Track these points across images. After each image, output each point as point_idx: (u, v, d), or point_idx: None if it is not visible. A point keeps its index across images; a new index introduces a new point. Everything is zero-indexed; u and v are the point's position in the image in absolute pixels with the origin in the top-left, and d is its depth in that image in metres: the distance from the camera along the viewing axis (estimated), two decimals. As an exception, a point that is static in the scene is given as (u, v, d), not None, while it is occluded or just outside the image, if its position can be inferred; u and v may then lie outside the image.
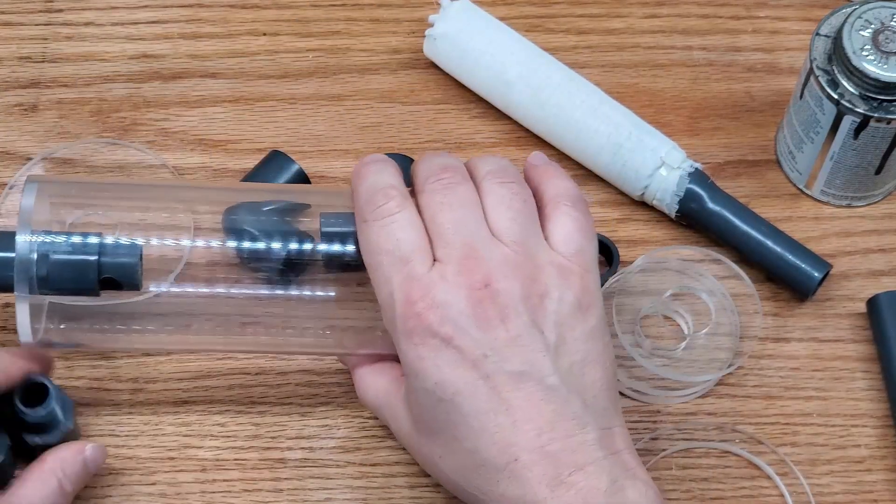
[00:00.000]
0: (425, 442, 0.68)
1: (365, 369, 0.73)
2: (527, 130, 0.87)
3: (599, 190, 0.86)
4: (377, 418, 0.78)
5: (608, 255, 0.83)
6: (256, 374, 0.79)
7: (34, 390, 0.73)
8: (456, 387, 0.65)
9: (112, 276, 0.71)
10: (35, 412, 0.73)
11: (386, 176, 0.70)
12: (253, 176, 0.83)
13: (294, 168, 0.83)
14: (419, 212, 0.69)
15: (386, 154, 0.83)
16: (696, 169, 0.83)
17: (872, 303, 0.81)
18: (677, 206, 0.82)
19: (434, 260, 0.68)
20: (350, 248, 0.72)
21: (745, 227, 0.82)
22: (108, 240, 0.72)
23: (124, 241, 0.72)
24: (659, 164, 0.83)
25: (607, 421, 0.66)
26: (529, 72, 0.85)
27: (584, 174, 0.86)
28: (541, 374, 0.65)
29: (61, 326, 0.74)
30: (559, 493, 0.64)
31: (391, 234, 0.68)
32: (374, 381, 0.72)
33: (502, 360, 0.65)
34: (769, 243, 0.81)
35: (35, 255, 0.70)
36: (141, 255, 0.72)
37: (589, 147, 0.84)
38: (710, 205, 0.82)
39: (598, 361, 0.68)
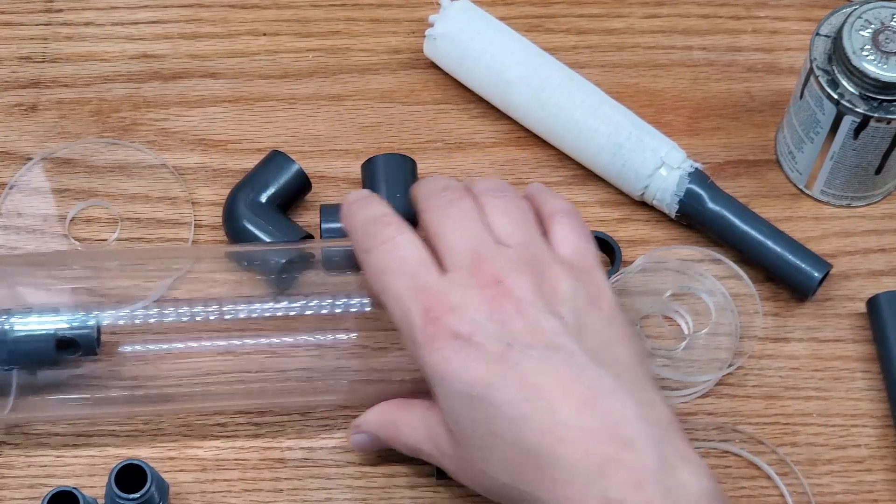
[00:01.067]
0: (467, 452, 0.67)
1: (393, 418, 0.73)
2: (527, 130, 0.87)
3: (599, 190, 0.86)
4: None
5: (610, 253, 0.83)
6: (256, 372, 0.79)
7: (131, 473, 0.71)
8: (486, 380, 0.65)
9: (71, 340, 0.73)
10: (132, 497, 0.71)
11: (375, 207, 0.72)
12: (253, 176, 0.83)
13: (294, 168, 0.83)
14: (423, 230, 0.71)
15: (386, 154, 0.83)
16: (696, 169, 0.83)
17: (872, 303, 0.81)
18: (677, 206, 0.82)
19: (443, 271, 0.69)
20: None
21: (745, 227, 0.82)
22: (65, 312, 0.74)
23: (80, 311, 0.74)
24: (659, 164, 0.83)
25: (647, 396, 0.66)
26: (529, 72, 0.85)
27: (584, 174, 0.86)
28: (567, 354, 0.65)
29: (30, 397, 0.75)
30: (610, 473, 0.62)
31: (394, 254, 0.69)
32: (407, 421, 0.72)
33: (526, 347, 0.66)
34: (769, 243, 0.81)
35: None
36: (97, 324, 0.74)
37: (589, 147, 0.84)
38: (710, 205, 0.82)
39: (623, 341, 0.68)
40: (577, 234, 0.71)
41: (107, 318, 0.75)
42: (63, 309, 0.74)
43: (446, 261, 0.69)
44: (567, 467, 0.63)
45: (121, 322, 0.75)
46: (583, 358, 0.66)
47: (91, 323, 0.74)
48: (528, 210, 0.72)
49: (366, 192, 0.74)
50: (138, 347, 0.75)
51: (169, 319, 0.75)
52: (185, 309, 0.75)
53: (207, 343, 0.75)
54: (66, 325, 0.74)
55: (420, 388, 0.71)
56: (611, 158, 0.83)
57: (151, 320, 0.75)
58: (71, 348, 0.74)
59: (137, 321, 0.75)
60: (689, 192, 0.82)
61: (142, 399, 0.76)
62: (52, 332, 0.73)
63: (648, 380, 0.67)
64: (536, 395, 0.64)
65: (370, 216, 0.71)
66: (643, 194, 0.83)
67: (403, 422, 0.72)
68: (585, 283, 0.69)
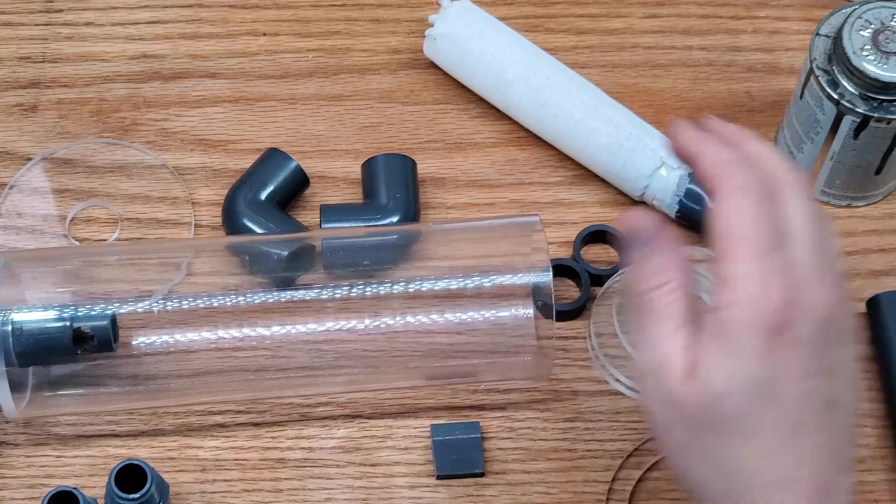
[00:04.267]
0: (712, 422, 0.62)
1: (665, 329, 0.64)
2: (527, 130, 0.87)
3: (599, 190, 0.86)
4: (379, 418, 0.78)
5: (620, 249, 0.83)
6: (257, 371, 0.79)
7: (131, 473, 0.71)
8: (784, 388, 0.61)
9: (88, 335, 0.74)
10: (132, 497, 0.71)
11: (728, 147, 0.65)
12: (251, 174, 0.83)
13: (292, 165, 0.83)
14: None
15: (386, 154, 0.83)
16: None
17: (872, 303, 0.81)
18: (677, 206, 0.82)
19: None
20: None
21: None
22: (81, 307, 0.75)
23: (97, 306, 0.75)
24: (659, 164, 0.83)
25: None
26: (529, 71, 0.85)
27: (584, 174, 0.86)
28: (846, 411, 0.63)
29: (46, 394, 0.76)
30: None
31: (752, 206, 0.62)
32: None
33: (830, 384, 0.62)
34: None
35: (10, 328, 0.73)
36: (114, 317, 0.74)
37: (589, 147, 0.84)
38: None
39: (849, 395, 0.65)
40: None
41: (123, 311, 0.75)
42: (78, 303, 0.75)
43: (795, 253, 0.63)
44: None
45: (137, 315, 0.75)
46: (846, 420, 0.63)
47: (107, 316, 0.74)
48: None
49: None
50: (154, 340, 0.75)
51: (186, 309, 0.75)
52: (204, 299, 0.76)
53: (224, 335, 0.76)
54: (83, 320, 0.74)
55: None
56: (611, 158, 0.83)
57: (169, 311, 0.75)
58: (87, 342, 0.74)
59: (153, 313, 0.75)
60: (689, 193, 0.82)
61: (158, 392, 0.76)
62: (68, 326, 0.73)
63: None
64: (804, 432, 0.62)
65: (728, 156, 0.64)
66: (643, 194, 0.83)
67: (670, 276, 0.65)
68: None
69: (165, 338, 0.76)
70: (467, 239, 0.81)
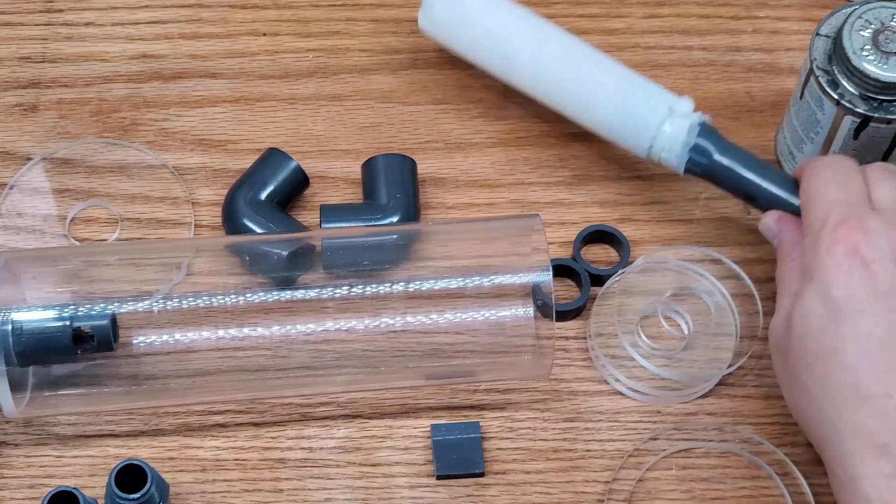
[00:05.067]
0: (797, 348, 0.70)
1: (790, 251, 0.75)
2: (527, 131, 0.87)
3: (600, 190, 0.86)
4: (379, 418, 0.78)
5: (618, 246, 0.83)
6: (257, 371, 0.79)
7: (131, 473, 0.72)
8: (861, 305, 0.68)
9: (88, 335, 0.74)
10: (132, 497, 0.71)
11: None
12: (251, 174, 0.83)
13: (292, 165, 0.83)
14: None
15: (386, 154, 0.83)
16: (704, 122, 0.80)
17: None
18: (687, 157, 0.80)
19: None
20: None
21: (754, 178, 0.79)
22: (81, 307, 0.75)
23: (97, 305, 0.75)
24: (667, 112, 0.80)
25: None
26: (531, 29, 0.83)
27: (584, 174, 0.86)
28: None
29: (46, 394, 0.76)
30: None
31: (840, 173, 0.73)
32: (792, 266, 0.74)
33: None
34: (780, 193, 0.78)
35: (10, 328, 0.73)
36: (114, 316, 0.75)
37: (595, 100, 0.81)
38: (718, 157, 0.79)
39: None
40: None
41: (123, 311, 0.75)
42: (78, 303, 0.75)
43: (875, 203, 0.72)
44: (880, 420, 0.67)
45: (138, 315, 0.75)
46: None
47: (107, 316, 0.74)
48: None
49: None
50: (154, 340, 0.75)
51: (186, 308, 0.76)
52: (204, 298, 0.76)
53: (224, 335, 0.76)
54: (83, 319, 0.74)
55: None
56: (616, 111, 0.81)
57: (169, 310, 0.75)
58: (87, 342, 0.74)
59: (153, 312, 0.75)
60: (696, 147, 0.80)
61: (158, 392, 0.76)
62: (67, 326, 0.74)
63: None
64: (894, 347, 0.67)
65: (832, 157, 0.75)
66: (650, 149, 0.80)
67: (793, 259, 0.74)
68: None
69: (165, 337, 0.76)
70: (467, 239, 0.81)
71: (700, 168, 0.80)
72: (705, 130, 0.80)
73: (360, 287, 0.77)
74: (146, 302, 0.76)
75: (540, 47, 0.82)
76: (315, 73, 0.89)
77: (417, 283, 0.78)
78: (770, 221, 0.77)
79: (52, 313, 0.74)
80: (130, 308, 0.76)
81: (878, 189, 0.73)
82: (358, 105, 0.88)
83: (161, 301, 0.76)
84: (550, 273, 0.76)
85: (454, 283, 0.78)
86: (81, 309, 0.74)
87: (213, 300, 0.77)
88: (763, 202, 0.79)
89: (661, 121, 0.80)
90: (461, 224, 0.83)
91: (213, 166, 0.86)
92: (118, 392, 0.76)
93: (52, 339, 0.73)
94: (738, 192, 0.80)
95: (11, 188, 0.85)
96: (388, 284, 0.78)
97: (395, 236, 0.80)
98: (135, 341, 0.76)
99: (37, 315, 0.74)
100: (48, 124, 0.87)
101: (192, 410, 0.79)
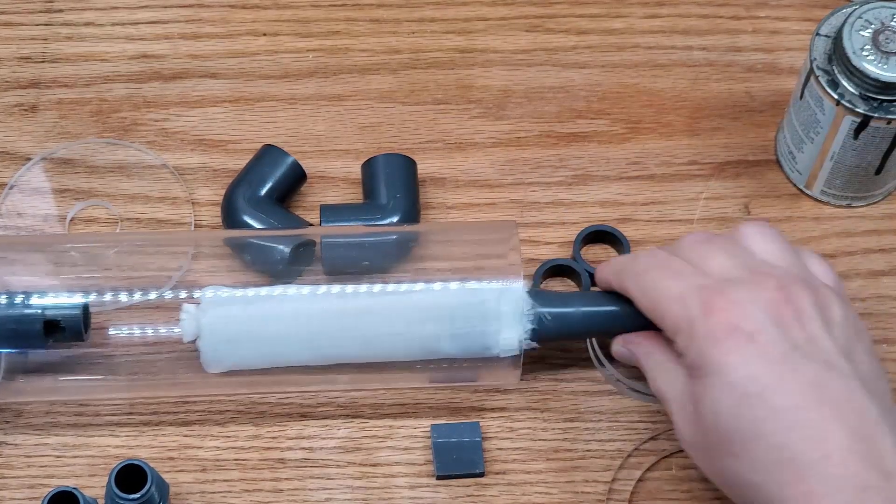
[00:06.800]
0: (716, 443, 0.68)
1: (658, 360, 0.72)
2: (527, 131, 0.87)
3: (599, 190, 0.86)
4: (379, 418, 0.78)
5: (618, 246, 0.83)
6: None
7: (131, 473, 0.71)
8: (765, 381, 0.66)
9: (57, 323, 0.74)
10: (132, 497, 0.71)
11: (633, 253, 0.75)
12: (248, 172, 0.83)
13: (289, 161, 0.83)
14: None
15: (386, 154, 0.83)
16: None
17: None
18: (532, 339, 0.75)
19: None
20: None
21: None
22: (52, 295, 0.75)
23: (72, 295, 0.75)
24: (497, 317, 0.75)
25: None
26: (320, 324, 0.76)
27: (584, 174, 0.86)
28: (842, 374, 0.66)
29: (20, 381, 0.76)
30: (867, 497, 0.64)
31: (670, 267, 0.71)
32: (668, 375, 0.72)
33: (805, 357, 0.66)
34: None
35: None
36: (86, 306, 0.75)
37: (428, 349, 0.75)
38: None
39: (882, 377, 0.69)
40: (830, 268, 0.73)
41: (97, 301, 0.75)
42: (50, 291, 0.75)
43: (720, 276, 0.70)
44: (828, 484, 0.64)
45: (109, 306, 0.75)
46: (855, 382, 0.66)
47: (78, 306, 0.74)
48: (784, 238, 0.73)
49: None
50: (126, 331, 0.75)
51: (168, 301, 0.75)
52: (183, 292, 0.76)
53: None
54: (55, 308, 0.74)
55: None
56: (452, 345, 0.75)
57: (149, 301, 0.75)
58: (58, 331, 0.74)
59: (127, 304, 0.75)
60: (536, 327, 0.75)
61: (137, 384, 0.76)
62: (38, 314, 0.74)
63: None
64: (812, 407, 0.65)
65: (634, 254, 0.75)
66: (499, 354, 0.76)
67: (666, 367, 0.72)
68: (851, 311, 0.70)
69: (145, 329, 0.76)
70: (459, 240, 0.80)
71: (548, 334, 0.76)
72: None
73: (359, 287, 0.77)
74: (122, 293, 0.75)
75: (347, 332, 0.75)
76: (315, 73, 0.89)
77: (413, 283, 0.78)
78: (618, 348, 0.75)
79: (22, 300, 0.74)
80: (105, 299, 0.75)
81: (708, 260, 0.71)
82: (358, 105, 0.88)
83: (139, 293, 0.76)
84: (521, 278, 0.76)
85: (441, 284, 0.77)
86: (54, 298, 0.74)
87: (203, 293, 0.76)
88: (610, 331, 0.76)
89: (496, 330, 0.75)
90: (442, 225, 0.83)
91: (213, 166, 0.86)
92: (93, 382, 0.76)
93: (22, 326, 0.73)
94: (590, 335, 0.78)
95: (11, 188, 0.85)
96: (388, 284, 0.77)
97: (394, 236, 0.80)
98: (111, 332, 0.75)
99: (7, 301, 0.74)
100: (48, 124, 0.87)
101: (191, 410, 0.79)
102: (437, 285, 0.76)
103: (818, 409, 0.65)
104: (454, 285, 0.76)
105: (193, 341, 0.74)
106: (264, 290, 0.76)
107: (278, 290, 0.76)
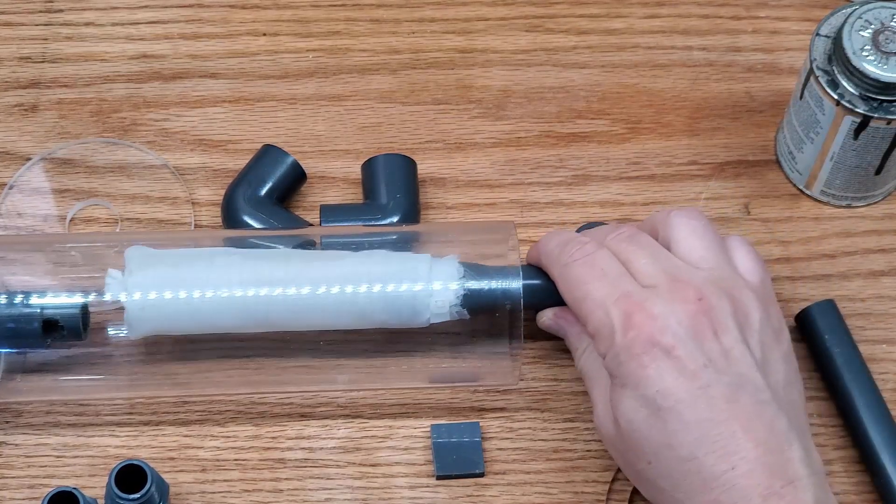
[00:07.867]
0: (631, 450, 0.70)
1: (589, 344, 0.73)
2: (527, 131, 0.87)
3: (600, 190, 0.86)
4: (379, 418, 0.78)
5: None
6: (256, 368, 0.79)
7: (131, 473, 0.71)
8: (678, 395, 0.67)
9: (56, 322, 0.74)
10: (132, 497, 0.71)
11: (569, 233, 0.75)
12: (248, 172, 0.83)
13: (289, 161, 0.83)
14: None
15: (386, 154, 0.83)
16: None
17: (803, 316, 0.80)
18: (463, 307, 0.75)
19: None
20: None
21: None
22: (50, 294, 0.75)
23: (66, 293, 0.75)
24: (429, 285, 0.75)
25: (807, 441, 0.69)
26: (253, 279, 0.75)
27: (584, 174, 0.86)
28: (754, 388, 0.68)
29: (18, 380, 0.76)
30: (771, 503, 0.66)
31: (596, 265, 0.72)
32: (597, 363, 0.72)
33: (719, 371, 0.68)
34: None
35: None
36: (85, 306, 0.74)
37: (359, 312, 0.75)
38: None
39: (795, 384, 0.71)
40: (757, 262, 0.73)
41: (96, 301, 0.75)
42: (50, 291, 0.75)
43: (643, 282, 0.71)
44: (734, 493, 0.66)
45: (116, 305, 0.75)
46: (766, 395, 0.68)
47: (77, 305, 0.74)
48: (716, 232, 0.73)
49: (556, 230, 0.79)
50: (126, 331, 0.75)
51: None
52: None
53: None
54: (52, 308, 0.74)
55: None
56: (384, 308, 0.75)
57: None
58: (57, 331, 0.74)
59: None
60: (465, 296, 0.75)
61: (137, 384, 0.76)
62: (37, 313, 0.74)
63: (807, 425, 0.70)
64: (724, 420, 0.67)
65: (566, 238, 0.74)
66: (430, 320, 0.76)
67: (595, 355, 0.72)
68: (771, 313, 0.71)
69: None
70: (459, 240, 0.81)
71: (479, 302, 0.76)
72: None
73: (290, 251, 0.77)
74: (121, 293, 0.75)
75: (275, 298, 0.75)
76: (315, 73, 0.89)
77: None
78: (547, 320, 0.76)
79: (21, 300, 0.74)
80: (105, 298, 0.75)
81: (632, 261, 0.72)
82: (358, 105, 0.88)
83: (139, 294, 0.75)
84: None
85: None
86: (53, 297, 0.74)
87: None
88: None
89: (426, 297, 0.75)
90: (442, 225, 0.83)
91: (213, 166, 0.86)
92: (93, 381, 0.76)
93: (21, 325, 0.73)
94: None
95: (11, 188, 0.85)
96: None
97: (394, 236, 0.80)
98: (110, 331, 0.75)
99: (7, 301, 0.74)
100: (48, 124, 0.87)
101: (192, 410, 0.79)
102: (371, 254, 0.77)
103: (728, 423, 0.67)
104: (388, 255, 0.76)
105: (118, 301, 0.74)
106: (193, 251, 0.76)
107: (206, 252, 0.76)
